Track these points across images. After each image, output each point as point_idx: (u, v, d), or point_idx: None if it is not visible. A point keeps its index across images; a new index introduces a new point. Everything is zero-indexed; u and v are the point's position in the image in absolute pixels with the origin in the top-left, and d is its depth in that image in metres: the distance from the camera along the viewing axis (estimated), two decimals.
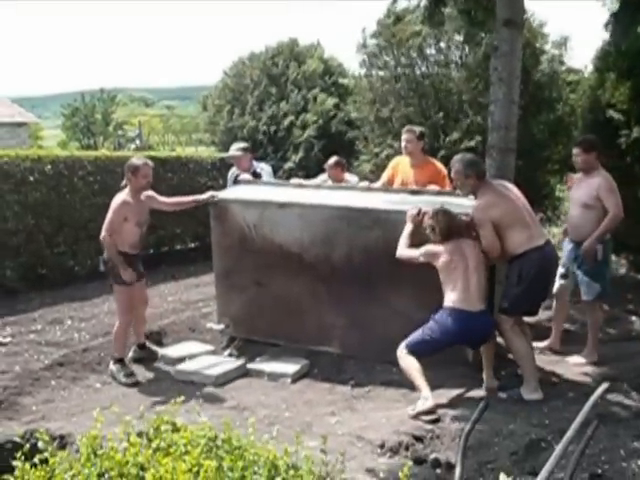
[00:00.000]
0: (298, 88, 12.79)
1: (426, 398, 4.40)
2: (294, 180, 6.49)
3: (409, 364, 4.57)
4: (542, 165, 8.80)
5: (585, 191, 5.41)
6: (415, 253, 4.76)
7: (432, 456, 3.85)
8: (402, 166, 6.33)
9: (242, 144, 7.13)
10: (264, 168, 7.02)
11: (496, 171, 5.84)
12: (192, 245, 10.27)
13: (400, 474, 2.48)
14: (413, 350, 4.58)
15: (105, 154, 9.29)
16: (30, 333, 6.25)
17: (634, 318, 6.68)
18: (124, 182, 5.35)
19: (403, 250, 4.83)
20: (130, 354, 5.63)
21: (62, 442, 4.29)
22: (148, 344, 5.81)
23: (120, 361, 5.38)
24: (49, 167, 7.93)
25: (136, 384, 5.20)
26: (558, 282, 5.68)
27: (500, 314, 4.70)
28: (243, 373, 5.38)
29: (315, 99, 12.56)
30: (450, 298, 4.57)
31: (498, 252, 4.64)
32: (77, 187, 8.22)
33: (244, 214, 5.68)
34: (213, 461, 2.41)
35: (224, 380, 5.21)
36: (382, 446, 4.07)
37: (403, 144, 6.23)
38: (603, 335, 6.25)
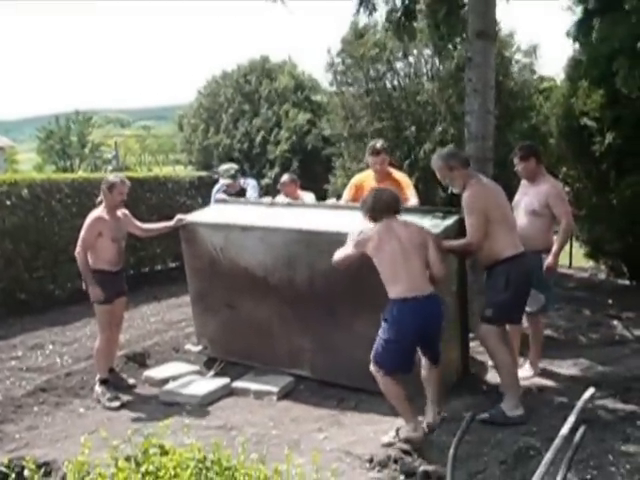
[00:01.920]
0: (270, 104, 12.81)
1: (415, 429, 4.12)
2: (266, 199, 6.38)
3: (387, 390, 4.21)
4: (516, 175, 8.85)
5: (533, 198, 5.19)
6: (347, 248, 4.33)
7: (421, 469, 3.82)
8: (367, 182, 5.86)
9: (233, 167, 7.08)
10: (249, 183, 7.06)
11: None
12: (173, 265, 10.22)
13: None
14: (380, 364, 4.14)
15: (82, 176, 9.28)
16: (11, 360, 6.17)
17: (616, 322, 6.75)
18: (99, 199, 5.36)
19: (336, 255, 4.40)
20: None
21: (47, 469, 4.22)
22: (117, 370, 5.68)
23: (104, 382, 5.31)
24: (26, 191, 7.86)
25: (120, 408, 5.12)
26: None
27: (483, 324, 4.45)
28: (229, 392, 5.33)
29: (287, 114, 12.57)
30: (394, 290, 4.09)
31: (478, 246, 4.37)
32: (55, 210, 8.17)
33: (211, 237, 5.63)
34: None
35: (210, 400, 5.16)
36: (371, 460, 4.04)
37: (374, 165, 5.81)
38: (586, 340, 6.32)
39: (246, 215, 5.72)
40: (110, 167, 31.64)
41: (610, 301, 7.72)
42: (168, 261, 10.33)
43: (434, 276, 4.21)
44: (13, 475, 2.65)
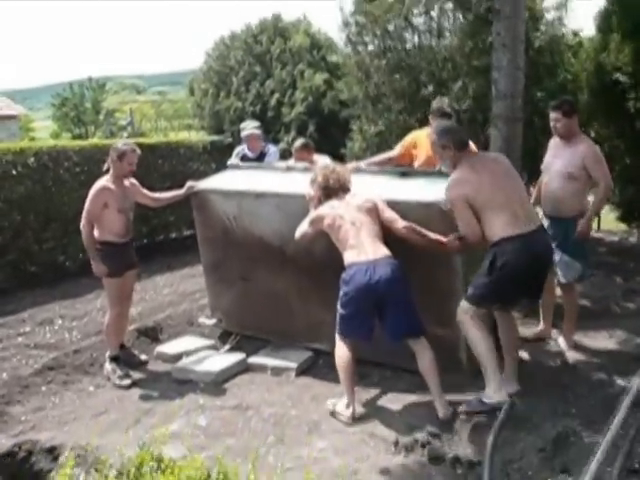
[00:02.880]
0: (284, 65, 12.35)
1: (347, 405, 4.10)
2: (282, 164, 6.06)
3: (339, 357, 4.21)
4: (544, 135, 8.44)
5: (568, 160, 4.80)
6: (304, 226, 4.43)
7: (450, 454, 3.56)
8: (423, 142, 5.27)
9: (255, 122, 6.93)
10: (270, 148, 6.87)
11: (502, 142, 5.55)
12: (187, 233, 9.93)
13: None
14: (341, 331, 4.21)
15: (91, 143, 8.98)
16: (18, 336, 5.97)
17: None
18: (106, 166, 5.07)
19: (296, 232, 4.49)
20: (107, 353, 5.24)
21: (54, 454, 4.02)
22: (128, 346, 5.47)
23: (115, 359, 5.10)
24: (32, 159, 7.61)
25: (131, 386, 4.90)
26: None
27: (462, 300, 4.06)
28: (244, 368, 5.08)
29: (302, 75, 12.10)
30: (346, 258, 4.17)
31: (477, 237, 3.96)
32: (63, 179, 7.91)
33: (223, 205, 5.34)
34: None
35: (225, 377, 4.92)
36: (396, 444, 3.80)
37: None
38: (621, 310, 5.98)
39: (261, 181, 5.40)
40: (125, 134, 31.31)
41: None
42: (183, 229, 10.07)
43: (402, 232, 4.15)
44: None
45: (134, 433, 4.17)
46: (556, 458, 3.37)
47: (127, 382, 4.93)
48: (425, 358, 4.08)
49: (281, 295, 5.17)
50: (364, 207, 4.25)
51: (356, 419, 4.08)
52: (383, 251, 4.12)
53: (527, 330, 5.40)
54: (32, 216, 7.58)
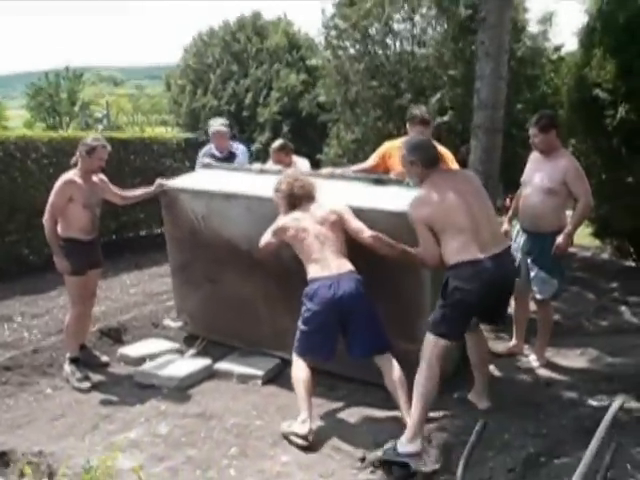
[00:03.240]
0: (260, 63, 12.15)
1: (303, 421, 3.88)
2: (256, 166, 5.87)
3: (295, 375, 4.06)
4: (523, 147, 8.43)
5: (549, 175, 4.71)
6: (267, 235, 4.32)
7: (419, 472, 3.45)
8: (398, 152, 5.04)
9: (223, 120, 6.75)
10: (239, 148, 6.68)
11: (482, 153, 5.49)
12: (158, 231, 9.71)
13: None
14: (299, 349, 4.09)
15: (61, 135, 8.71)
16: None
17: (623, 308, 6.34)
18: (74, 160, 4.90)
19: (260, 241, 4.37)
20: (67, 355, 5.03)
21: (4, 459, 3.83)
22: (90, 347, 5.28)
23: (75, 361, 4.90)
24: None
25: (90, 389, 4.71)
26: None
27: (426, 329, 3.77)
28: (210, 374, 4.93)
29: (278, 74, 11.92)
30: (309, 272, 4.06)
31: (434, 260, 3.75)
32: (30, 170, 7.67)
33: (192, 205, 5.19)
34: None
35: (189, 383, 4.76)
36: (363, 459, 3.68)
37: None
38: (593, 327, 5.95)
39: (232, 182, 5.23)
40: (101, 126, 30.86)
41: (615, 284, 7.33)
42: (153, 226, 9.85)
43: (368, 242, 4.01)
44: None
45: (91, 440, 4.00)
46: (526, 479, 3.28)
47: (86, 385, 4.74)
48: (392, 374, 3.97)
49: (248, 300, 5.01)
50: (329, 220, 4.11)
51: (317, 436, 3.91)
52: (347, 266, 4.02)
53: (499, 345, 5.34)
54: None
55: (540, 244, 4.78)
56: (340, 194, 4.51)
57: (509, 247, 3.94)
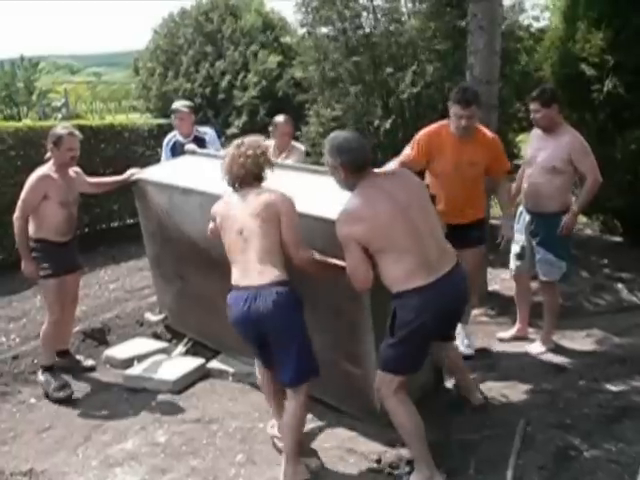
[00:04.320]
0: (236, 45, 11.76)
1: (272, 426, 3.72)
2: None
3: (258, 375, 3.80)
4: (507, 123, 8.25)
5: (553, 153, 4.48)
6: (211, 222, 3.66)
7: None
8: (447, 140, 4.38)
9: (186, 102, 6.32)
10: (207, 132, 6.16)
11: None
12: (131, 221, 9.32)
13: None
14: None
15: (27, 125, 8.26)
16: None
17: (620, 286, 6.22)
18: (47, 155, 4.52)
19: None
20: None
21: None
22: (72, 351, 4.97)
23: (49, 369, 4.53)
24: None
25: (70, 398, 4.35)
26: (514, 263, 4.91)
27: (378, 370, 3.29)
28: (204, 374, 4.67)
29: (255, 56, 11.56)
30: (232, 274, 3.39)
31: (364, 284, 3.14)
32: None
33: (158, 198, 4.91)
34: None
35: (183, 385, 4.50)
36: (379, 461, 3.47)
37: (460, 119, 4.28)
38: (593, 307, 5.81)
39: (195, 175, 4.81)
40: (60, 115, 29.99)
41: (605, 261, 7.23)
42: (126, 217, 9.45)
43: (297, 264, 3.34)
44: None
45: (84, 453, 3.73)
46: (558, 476, 3.10)
47: (65, 394, 4.36)
48: (289, 409, 3.37)
49: (211, 299, 4.48)
50: (262, 215, 3.28)
51: (329, 439, 3.69)
52: (271, 275, 3.25)
53: (502, 331, 5.17)
54: None
55: (546, 225, 4.60)
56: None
57: (458, 263, 3.25)
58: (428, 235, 3.10)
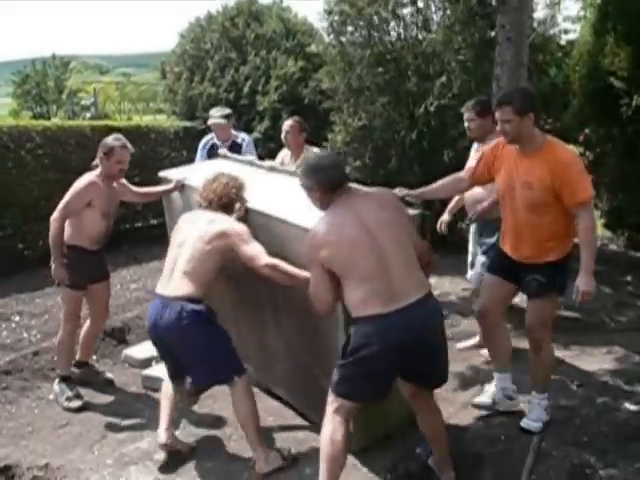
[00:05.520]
0: (258, 51, 11.82)
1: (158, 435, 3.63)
2: (267, 163, 5.36)
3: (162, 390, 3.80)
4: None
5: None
6: None
7: None
8: (508, 153, 3.61)
9: (226, 110, 6.27)
10: (245, 139, 6.14)
11: None
12: (154, 222, 9.40)
13: None
14: None
15: (56, 124, 8.36)
16: None
17: None
18: (95, 162, 4.39)
19: None
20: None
21: (9, 474, 3.57)
22: (91, 363, 4.82)
23: (65, 379, 4.42)
24: None
25: (80, 410, 4.26)
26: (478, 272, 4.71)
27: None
28: None
29: (276, 62, 11.61)
30: None
31: (323, 306, 3.07)
32: (25, 161, 7.30)
33: (184, 199, 4.75)
34: None
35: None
36: (394, 470, 3.46)
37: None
38: (614, 324, 5.74)
39: None
40: (88, 114, 30.42)
41: (629, 277, 7.15)
42: (149, 217, 9.54)
43: (263, 272, 3.38)
44: None
45: (100, 451, 3.77)
46: None
47: (76, 404, 4.28)
48: (234, 401, 3.53)
49: (219, 303, 4.10)
50: (206, 239, 3.43)
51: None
52: (183, 290, 3.37)
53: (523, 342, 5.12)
54: None
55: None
56: (266, 193, 4.01)
57: (430, 292, 3.06)
58: (395, 261, 2.94)
